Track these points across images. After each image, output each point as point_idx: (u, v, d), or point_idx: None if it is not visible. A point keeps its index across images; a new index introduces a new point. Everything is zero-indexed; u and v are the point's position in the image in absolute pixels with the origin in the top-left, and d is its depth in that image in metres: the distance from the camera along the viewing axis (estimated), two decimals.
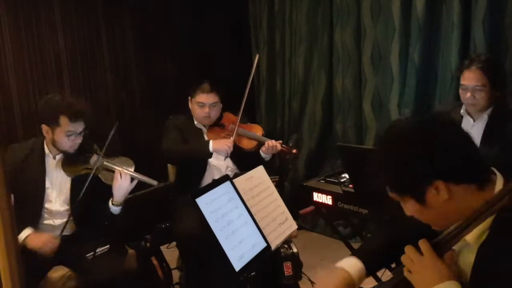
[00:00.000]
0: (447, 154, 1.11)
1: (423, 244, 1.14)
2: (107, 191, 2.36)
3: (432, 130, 1.15)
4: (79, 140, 2.35)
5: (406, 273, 1.17)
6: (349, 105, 3.67)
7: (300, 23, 3.88)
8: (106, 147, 2.35)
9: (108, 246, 2.12)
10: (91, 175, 2.27)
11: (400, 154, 1.14)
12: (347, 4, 3.53)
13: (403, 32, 3.20)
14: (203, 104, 2.90)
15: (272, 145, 2.83)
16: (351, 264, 1.43)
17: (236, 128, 2.87)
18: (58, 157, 2.41)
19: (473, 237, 1.12)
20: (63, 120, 2.29)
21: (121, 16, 3.72)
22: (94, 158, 2.37)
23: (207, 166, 2.91)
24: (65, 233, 2.42)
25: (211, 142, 2.80)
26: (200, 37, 4.10)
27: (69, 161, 2.37)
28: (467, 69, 2.31)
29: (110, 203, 2.35)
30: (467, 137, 1.15)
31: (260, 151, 2.87)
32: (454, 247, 1.18)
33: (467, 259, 1.13)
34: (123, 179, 2.32)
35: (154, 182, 2.39)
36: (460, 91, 2.36)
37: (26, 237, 2.23)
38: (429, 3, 3.02)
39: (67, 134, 2.30)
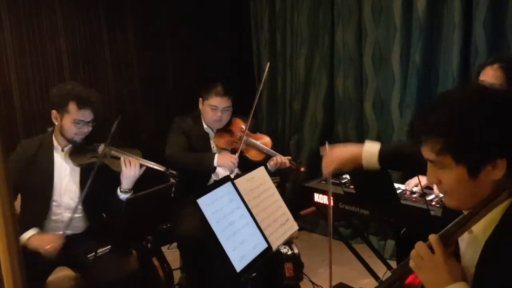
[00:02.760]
0: None
1: (434, 241, 1.10)
2: (115, 179, 2.41)
3: None
4: (86, 129, 2.38)
5: (414, 268, 1.13)
6: (350, 106, 3.67)
7: (301, 23, 3.88)
8: (112, 134, 2.40)
9: (109, 246, 2.12)
10: (98, 162, 2.32)
11: (479, 124, 1.04)
12: (348, 4, 3.53)
13: (404, 33, 3.20)
14: (216, 108, 2.82)
15: (281, 161, 2.80)
16: (369, 149, 1.60)
17: (244, 137, 2.83)
18: (66, 149, 2.43)
19: (479, 227, 1.10)
20: (72, 106, 2.33)
21: (122, 16, 3.73)
22: (101, 147, 2.42)
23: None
24: (77, 231, 2.44)
25: (216, 156, 2.75)
26: (201, 37, 4.11)
27: (76, 151, 2.41)
28: (490, 66, 2.28)
29: (118, 191, 2.39)
30: None
31: (268, 164, 2.82)
32: (460, 241, 1.16)
33: (474, 254, 1.11)
34: (132, 166, 2.38)
35: (162, 168, 2.46)
36: None
37: (30, 237, 2.24)
38: (430, 4, 3.02)
39: (75, 122, 2.34)
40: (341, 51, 3.65)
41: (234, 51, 4.35)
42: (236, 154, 2.77)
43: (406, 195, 2.34)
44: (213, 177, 2.86)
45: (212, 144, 2.92)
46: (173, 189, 2.38)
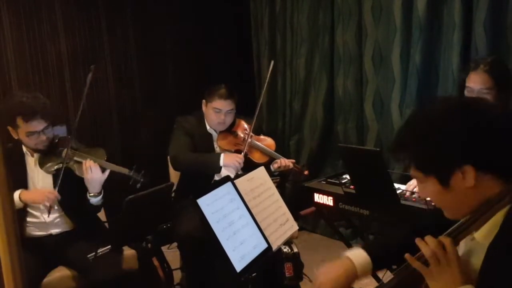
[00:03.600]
0: (485, 140, 1.05)
1: (447, 240, 1.08)
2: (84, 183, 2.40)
3: (473, 112, 1.09)
4: (44, 137, 2.34)
5: (418, 265, 1.09)
6: (350, 106, 3.67)
7: (301, 23, 3.89)
8: (74, 138, 2.40)
9: (109, 246, 2.12)
10: (62, 169, 2.31)
11: (435, 132, 1.08)
12: (348, 4, 3.53)
13: (404, 33, 3.19)
14: (220, 111, 2.79)
15: (285, 164, 2.79)
16: (357, 255, 1.40)
17: (249, 140, 2.81)
18: (36, 155, 2.42)
19: (482, 234, 1.09)
20: (19, 121, 2.30)
21: (122, 16, 3.73)
22: (64, 151, 2.38)
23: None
24: (65, 229, 2.46)
25: (222, 156, 2.73)
26: (201, 37, 4.11)
27: (43, 158, 2.39)
28: (474, 71, 2.27)
29: (88, 195, 2.39)
30: (508, 126, 1.08)
31: (271, 166, 2.81)
32: (464, 248, 1.16)
33: (477, 260, 1.10)
34: (93, 171, 2.34)
35: (125, 170, 2.43)
36: (466, 92, 2.32)
37: (20, 194, 2.26)
38: (430, 4, 3.02)
39: (27, 135, 2.31)
40: (341, 51, 3.65)
41: (234, 51, 4.35)
42: (242, 153, 2.75)
43: (406, 196, 2.34)
44: (216, 178, 2.85)
45: (215, 145, 2.91)
46: (174, 188, 2.36)
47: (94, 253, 2.08)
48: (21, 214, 2.34)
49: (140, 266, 2.49)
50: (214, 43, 4.17)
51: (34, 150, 2.41)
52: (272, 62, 3.08)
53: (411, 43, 3.17)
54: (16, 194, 2.26)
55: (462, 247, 1.17)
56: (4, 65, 3.20)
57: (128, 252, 2.49)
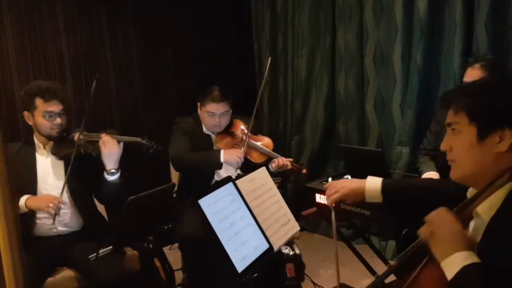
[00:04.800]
0: None
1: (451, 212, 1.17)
2: (98, 164, 2.41)
3: None
4: (59, 121, 2.39)
5: (424, 233, 1.18)
6: (352, 106, 3.67)
7: (302, 24, 3.88)
8: (85, 120, 2.40)
9: (110, 247, 2.12)
10: (75, 151, 2.33)
11: (498, 91, 1.19)
12: (349, 5, 3.53)
13: (406, 33, 3.19)
14: (213, 114, 2.78)
15: (283, 163, 2.78)
16: (373, 183, 1.57)
17: (247, 140, 2.80)
18: (47, 146, 2.45)
19: (484, 209, 1.15)
20: (38, 101, 2.36)
21: (124, 16, 3.73)
22: (77, 134, 2.42)
23: (215, 172, 2.86)
24: (73, 229, 2.46)
25: (222, 152, 2.72)
26: (202, 38, 4.11)
27: (56, 145, 2.43)
28: (471, 67, 2.31)
29: (105, 174, 2.39)
30: None
31: (269, 166, 2.81)
32: (472, 226, 1.21)
33: (478, 235, 1.15)
34: (110, 143, 2.37)
35: (138, 139, 2.48)
36: None
37: (26, 200, 2.27)
38: (431, 4, 3.02)
39: (44, 115, 2.36)
40: (342, 52, 3.64)
41: (235, 52, 4.35)
42: (242, 149, 2.75)
43: None
44: (216, 178, 2.85)
45: (214, 146, 2.91)
46: (175, 189, 2.36)
47: (95, 254, 2.08)
48: (30, 214, 2.34)
49: (142, 267, 2.49)
50: (215, 44, 4.17)
51: (47, 138, 2.42)
52: (270, 59, 3.04)
53: (412, 43, 3.17)
54: (23, 200, 2.27)
55: (471, 226, 1.23)
56: (6, 65, 3.20)
57: (130, 252, 2.49)
